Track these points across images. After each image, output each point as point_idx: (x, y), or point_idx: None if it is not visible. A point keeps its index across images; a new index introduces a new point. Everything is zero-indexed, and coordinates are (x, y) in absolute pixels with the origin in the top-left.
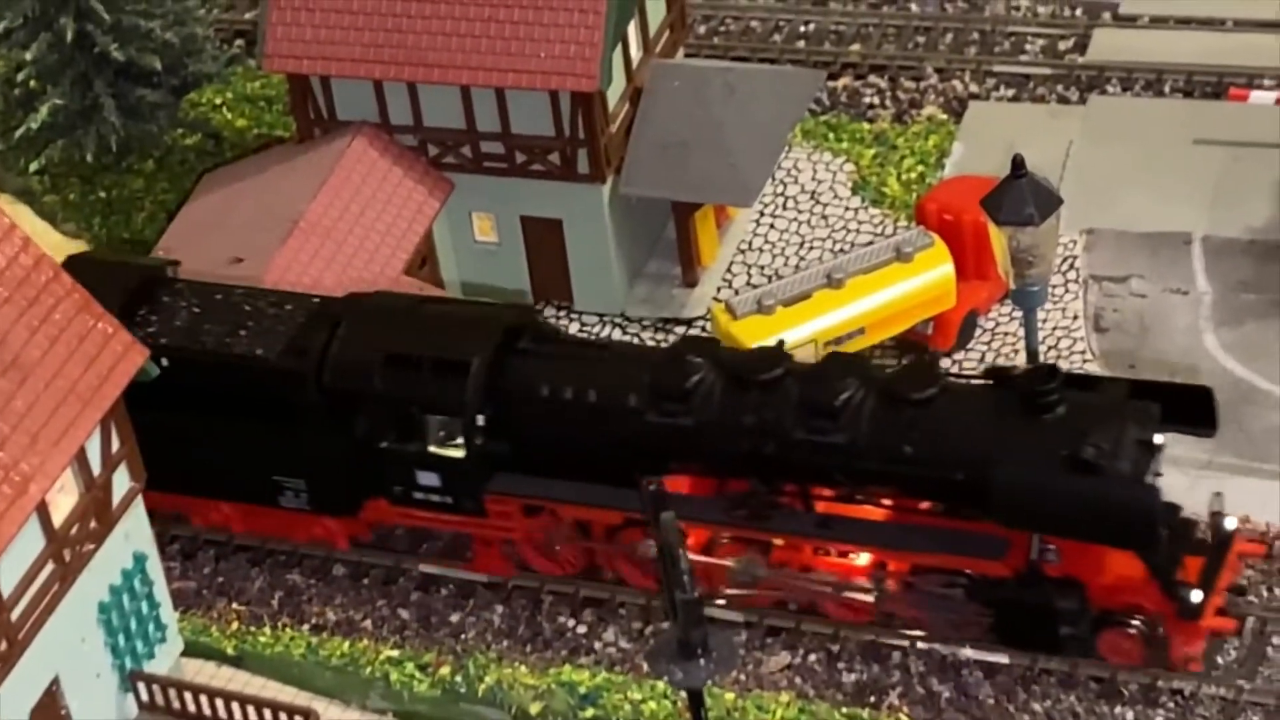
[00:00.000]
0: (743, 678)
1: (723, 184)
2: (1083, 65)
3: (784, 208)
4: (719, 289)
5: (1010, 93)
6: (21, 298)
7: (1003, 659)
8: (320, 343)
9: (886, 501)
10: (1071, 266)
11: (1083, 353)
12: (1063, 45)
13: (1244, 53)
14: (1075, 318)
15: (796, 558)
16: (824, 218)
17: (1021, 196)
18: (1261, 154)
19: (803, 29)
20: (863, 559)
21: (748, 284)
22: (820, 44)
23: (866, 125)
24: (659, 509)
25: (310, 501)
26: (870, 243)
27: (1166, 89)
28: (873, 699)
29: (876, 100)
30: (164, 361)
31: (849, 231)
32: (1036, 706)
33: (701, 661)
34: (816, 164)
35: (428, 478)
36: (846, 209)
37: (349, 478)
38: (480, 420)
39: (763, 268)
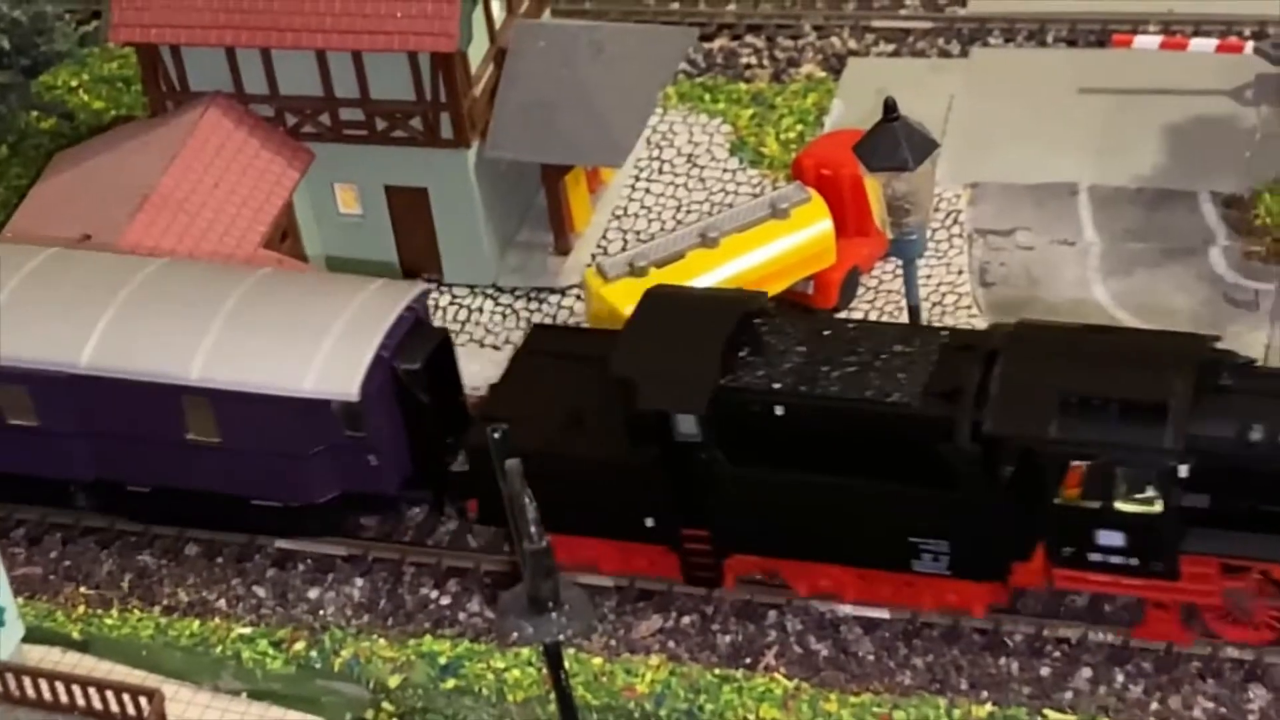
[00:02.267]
0: (612, 643)
1: (592, 145)
2: (964, 18)
3: (659, 171)
4: (593, 256)
5: (890, 48)
6: None
7: (883, 614)
8: (974, 383)
9: None
10: (956, 221)
11: (969, 307)
12: None
13: None
14: (960, 272)
15: None
16: (701, 180)
17: (895, 141)
18: (1147, 100)
19: None
20: None
21: (622, 248)
22: (695, 4)
23: (743, 85)
24: (503, 456)
25: (951, 565)
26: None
27: (1050, 39)
28: (748, 660)
29: (754, 60)
30: (778, 411)
31: (727, 194)
32: (918, 661)
33: (553, 615)
34: (693, 126)
35: (1110, 537)
36: (724, 170)
37: (1000, 538)
38: (1183, 471)
39: (639, 233)
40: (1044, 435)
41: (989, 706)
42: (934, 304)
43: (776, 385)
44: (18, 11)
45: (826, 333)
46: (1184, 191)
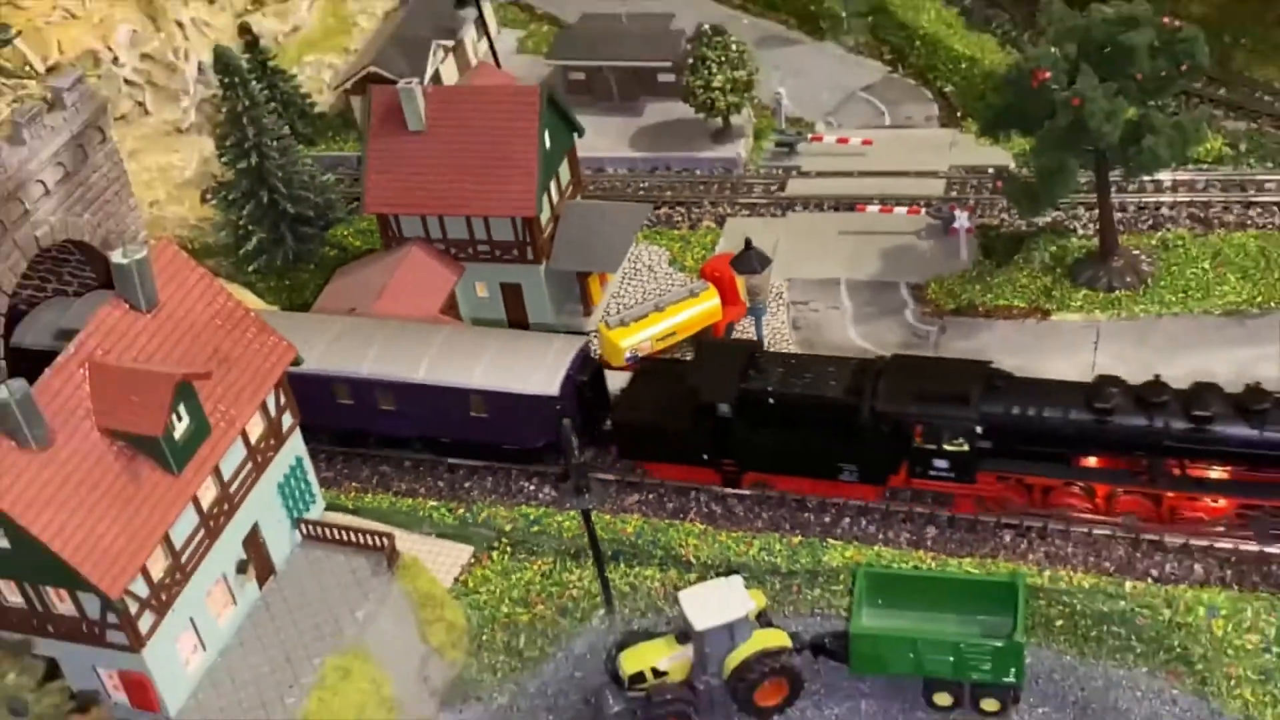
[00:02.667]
0: (610, 509)
1: (600, 261)
2: (783, 196)
3: (635, 274)
4: (604, 315)
5: (746, 213)
6: (229, 323)
7: (743, 492)
8: (871, 385)
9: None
10: (780, 298)
11: (788, 340)
12: (773, 188)
13: (861, 187)
14: (783, 323)
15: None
16: (655, 278)
17: (750, 259)
18: (874, 238)
19: (642, 187)
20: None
21: (617, 312)
22: (651, 192)
23: (675, 231)
24: (568, 437)
25: (859, 477)
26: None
27: (825, 207)
28: (680, 516)
29: (680, 219)
30: (770, 400)
31: (669, 286)
32: (766, 515)
33: (585, 495)
34: (650, 252)
35: (941, 463)
36: (666, 274)
37: (883, 463)
38: (979, 429)
39: (624, 304)
40: (907, 411)
41: (798, 536)
42: (770, 341)
43: (769, 387)
44: (320, 198)
45: (791, 361)
46: (892, 282)
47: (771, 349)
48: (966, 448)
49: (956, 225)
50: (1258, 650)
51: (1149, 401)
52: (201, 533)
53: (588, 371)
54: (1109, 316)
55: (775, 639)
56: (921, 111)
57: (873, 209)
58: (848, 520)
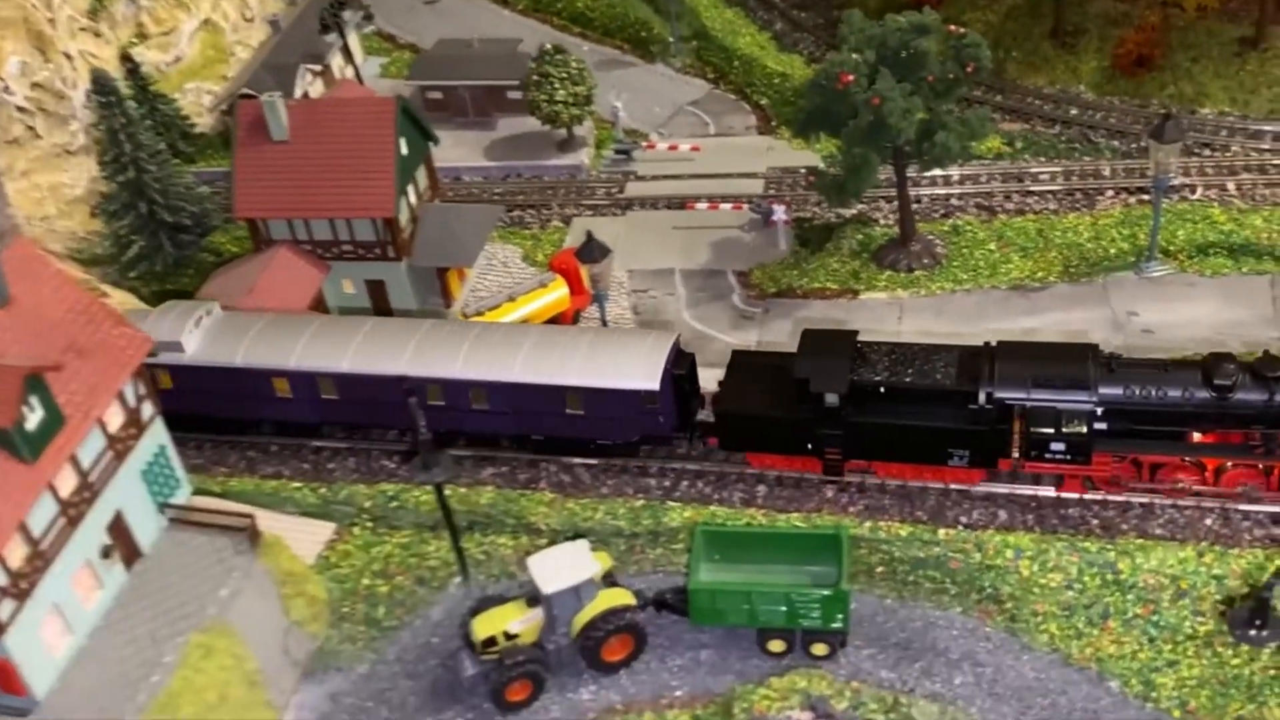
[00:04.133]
0: (467, 482)
1: (459, 257)
2: (623, 198)
3: (491, 269)
4: (463, 306)
5: (590, 212)
6: (84, 317)
7: (592, 461)
8: (985, 372)
9: None
10: (622, 287)
11: (629, 321)
12: (614, 190)
13: (691, 188)
14: (625, 309)
15: None
16: (509, 272)
17: (591, 250)
18: (702, 232)
19: (496, 193)
20: None
21: (474, 304)
22: (505, 195)
23: (527, 231)
24: (409, 395)
25: (969, 462)
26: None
27: (659, 205)
28: (533, 485)
29: (531, 219)
30: (883, 391)
31: (522, 279)
32: (612, 481)
33: (434, 470)
34: (506, 249)
35: (1058, 445)
36: (520, 268)
37: (994, 448)
38: (1098, 412)
39: (481, 296)
40: (1027, 397)
41: (641, 500)
42: (614, 324)
43: (879, 377)
44: (196, 208)
45: (895, 349)
46: (720, 270)
47: (875, 340)
48: (1084, 430)
49: (775, 218)
50: (1060, 588)
51: (1266, 376)
52: (62, 520)
53: (684, 365)
54: (910, 294)
55: (620, 598)
56: (741, 122)
57: (701, 206)
58: (686, 483)
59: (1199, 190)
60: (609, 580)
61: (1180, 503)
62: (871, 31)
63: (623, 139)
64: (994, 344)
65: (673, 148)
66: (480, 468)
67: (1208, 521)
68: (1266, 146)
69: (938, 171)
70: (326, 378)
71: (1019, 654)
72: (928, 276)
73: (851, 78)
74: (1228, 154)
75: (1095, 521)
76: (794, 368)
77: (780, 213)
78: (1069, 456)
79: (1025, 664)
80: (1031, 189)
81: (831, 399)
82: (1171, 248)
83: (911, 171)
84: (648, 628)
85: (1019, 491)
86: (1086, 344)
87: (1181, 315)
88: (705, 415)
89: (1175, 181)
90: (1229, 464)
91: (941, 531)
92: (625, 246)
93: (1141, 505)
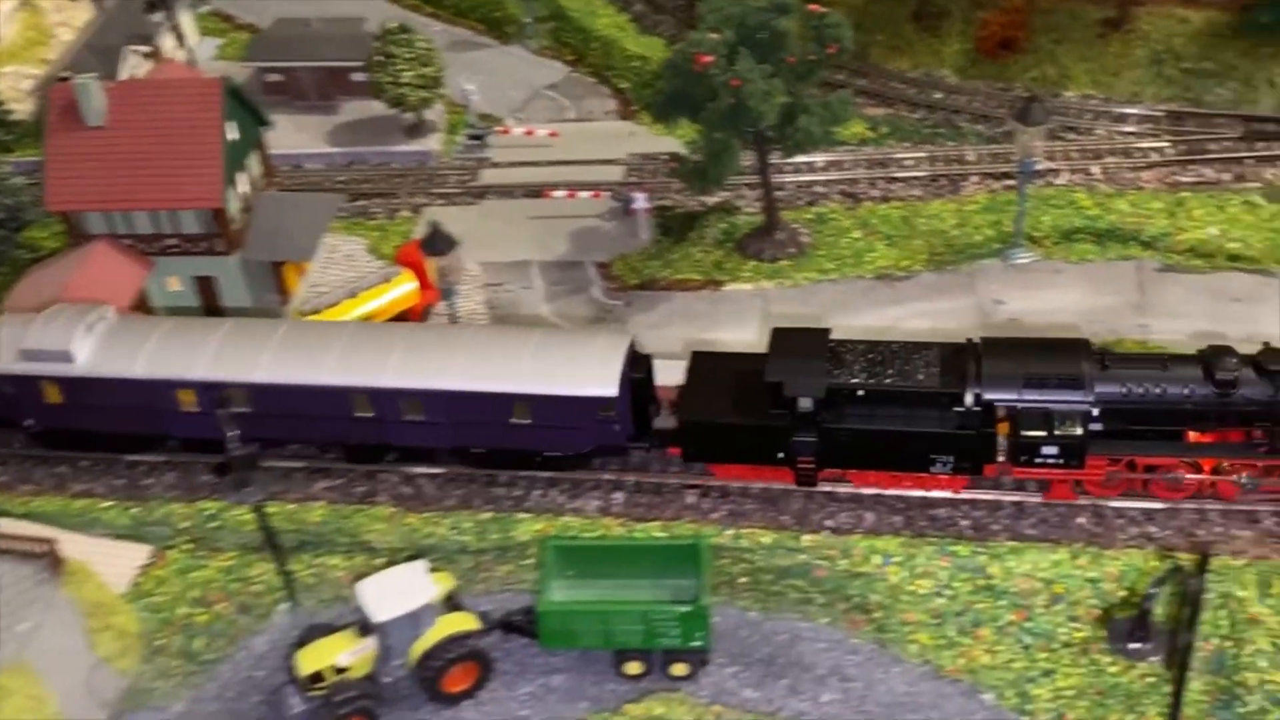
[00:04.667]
0: (296, 498)
1: (295, 251)
2: (476, 186)
3: (334, 263)
4: (301, 303)
5: (442, 202)
6: None
7: (435, 470)
8: (972, 371)
9: None
10: (477, 280)
11: (483, 320)
12: (466, 178)
13: (549, 175)
14: (479, 304)
15: None
16: (353, 266)
17: (436, 241)
18: (560, 221)
19: (340, 181)
20: None
21: (312, 300)
22: (349, 184)
23: (373, 222)
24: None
25: (954, 468)
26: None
27: (516, 194)
28: (371, 498)
29: (379, 210)
30: (862, 394)
31: (367, 273)
32: (459, 492)
33: (252, 488)
34: (350, 242)
35: (1050, 449)
36: (366, 262)
37: (980, 452)
38: (1094, 413)
39: (323, 293)
40: (1018, 398)
41: (489, 512)
42: (466, 320)
43: (858, 379)
44: (11, 200)
45: (872, 349)
46: (579, 261)
47: (847, 338)
48: (1080, 432)
49: (635, 206)
50: (930, 594)
51: (1269, 370)
52: None
53: (641, 368)
54: (775, 284)
55: (462, 623)
56: (601, 106)
57: (559, 195)
58: (539, 492)
59: (1064, 175)
60: (451, 603)
61: (1112, 502)
62: (730, 10)
63: (476, 124)
64: (977, 340)
65: (529, 133)
66: (312, 481)
67: (1080, 520)
68: (1130, 129)
69: (802, 157)
70: (239, 389)
71: (889, 667)
72: (793, 266)
73: (710, 59)
74: (1092, 137)
75: (966, 523)
76: (765, 371)
77: (641, 201)
78: (1061, 460)
79: (896, 677)
80: (896, 175)
81: (806, 404)
82: (1037, 234)
83: (775, 157)
84: (494, 653)
85: (884, 492)
86: (1076, 339)
87: (1048, 302)
88: (665, 420)
89: (1040, 166)
90: (1226, 464)
91: (806, 537)
92: (479, 237)
93: (1013, 504)
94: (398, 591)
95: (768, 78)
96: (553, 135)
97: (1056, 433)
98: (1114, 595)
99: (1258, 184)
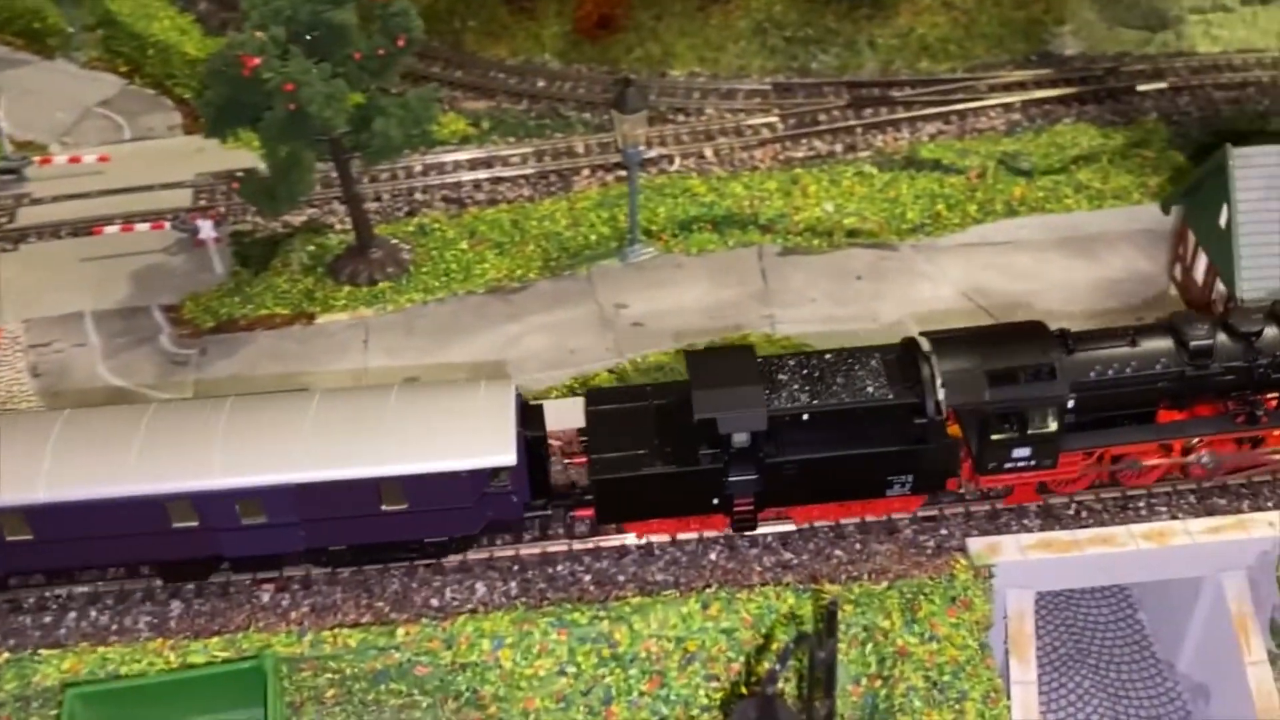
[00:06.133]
0: None
1: None
2: (13, 229)
3: None
4: None
5: None
6: None
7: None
8: (929, 378)
9: None
10: (17, 342)
11: (29, 391)
12: (1, 220)
13: (102, 207)
14: (20, 371)
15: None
16: None
17: None
18: (117, 261)
19: None
20: None
21: None
22: None
23: None
24: None
25: (914, 488)
26: None
27: (62, 233)
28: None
29: None
30: (804, 418)
31: None
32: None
33: None
34: None
35: (1022, 451)
36: None
37: (944, 467)
38: (1070, 403)
39: None
40: (986, 399)
41: (5, 653)
42: (8, 396)
43: (800, 401)
44: None
45: (805, 365)
46: (144, 306)
47: (773, 355)
48: (1055, 427)
49: (203, 236)
50: (552, 675)
51: (1240, 331)
52: None
53: (534, 422)
54: (375, 311)
55: None
56: (164, 121)
57: (112, 229)
58: (74, 615)
59: (677, 160)
60: None
61: (746, 534)
62: (277, 4)
63: (9, 155)
64: (918, 339)
65: (74, 160)
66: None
67: (712, 555)
68: (740, 106)
69: (402, 161)
70: (12, 514)
71: None
72: (394, 288)
73: (258, 61)
74: (703, 118)
75: (589, 578)
76: (693, 405)
77: (208, 228)
78: (1034, 461)
79: None
80: (502, 174)
81: (741, 438)
82: (654, 227)
83: (357, 167)
84: None
85: (499, 554)
86: (1030, 321)
87: (672, 301)
88: (563, 474)
89: (649, 154)
90: (1196, 441)
91: (401, 630)
92: (19, 291)
93: (638, 548)
94: None
95: (328, 79)
96: (103, 160)
97: (1030, 431)
98: (750, 644)
99: (869, 152)
